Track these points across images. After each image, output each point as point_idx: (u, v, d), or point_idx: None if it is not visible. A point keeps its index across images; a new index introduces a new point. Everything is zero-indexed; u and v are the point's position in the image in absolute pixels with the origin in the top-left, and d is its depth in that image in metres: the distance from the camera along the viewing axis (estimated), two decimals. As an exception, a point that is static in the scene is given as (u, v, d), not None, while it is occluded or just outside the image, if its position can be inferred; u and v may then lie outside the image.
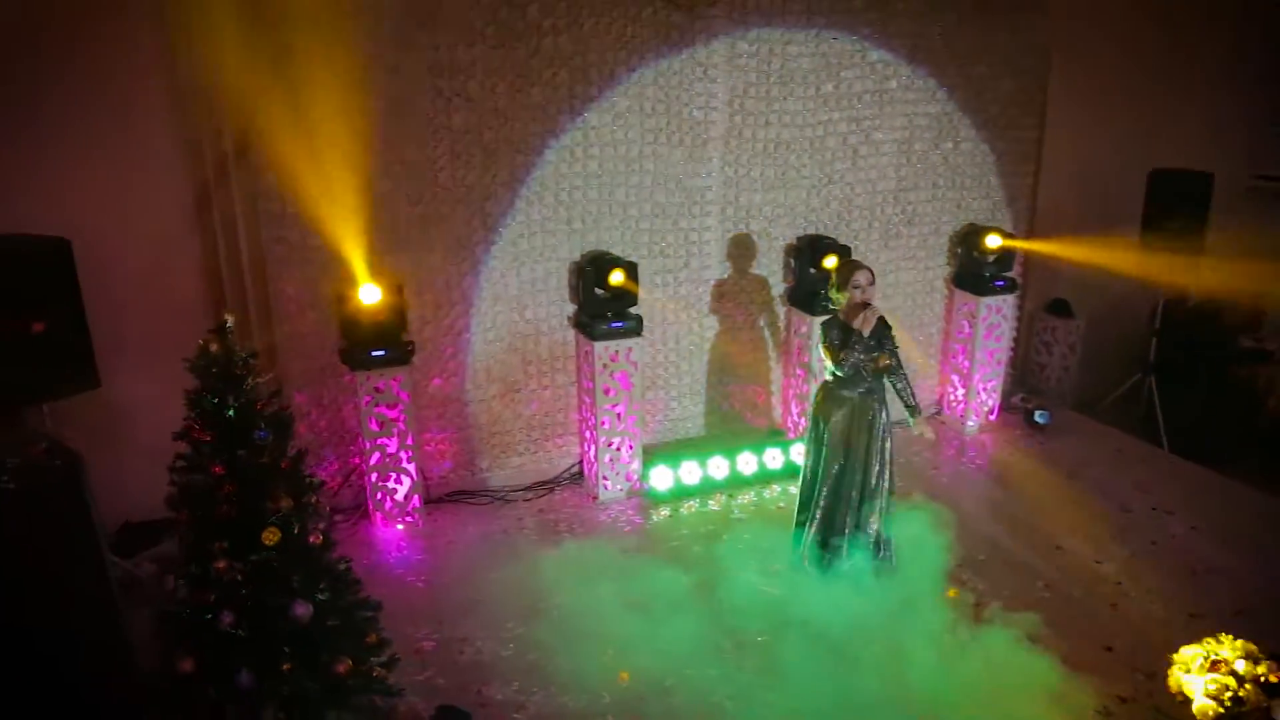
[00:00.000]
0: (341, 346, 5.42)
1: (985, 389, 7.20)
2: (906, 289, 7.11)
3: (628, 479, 6.18)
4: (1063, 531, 5.88)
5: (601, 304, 5.83)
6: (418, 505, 5.76)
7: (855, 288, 4.96)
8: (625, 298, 5.86)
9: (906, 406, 5.27)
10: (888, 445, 5.24)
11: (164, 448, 3.40)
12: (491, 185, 5.71)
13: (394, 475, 5.64)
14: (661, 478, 6.16)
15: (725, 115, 6.13)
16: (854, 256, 6.67)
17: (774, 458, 6.40)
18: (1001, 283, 6.94)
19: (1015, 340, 7.69)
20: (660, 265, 6.28)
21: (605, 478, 6.14)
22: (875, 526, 5.29)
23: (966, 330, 7.09)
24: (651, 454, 6.24)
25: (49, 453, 2.36)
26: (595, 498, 6.17)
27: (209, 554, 3.26)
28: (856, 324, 4.95)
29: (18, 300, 4.37)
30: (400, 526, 5.71)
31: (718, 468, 6.30)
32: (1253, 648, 4.00)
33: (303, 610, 3.37)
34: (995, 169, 7.08)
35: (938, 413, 7.50)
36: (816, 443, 5.24)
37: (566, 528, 5.89)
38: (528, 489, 6.25)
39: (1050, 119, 7.31)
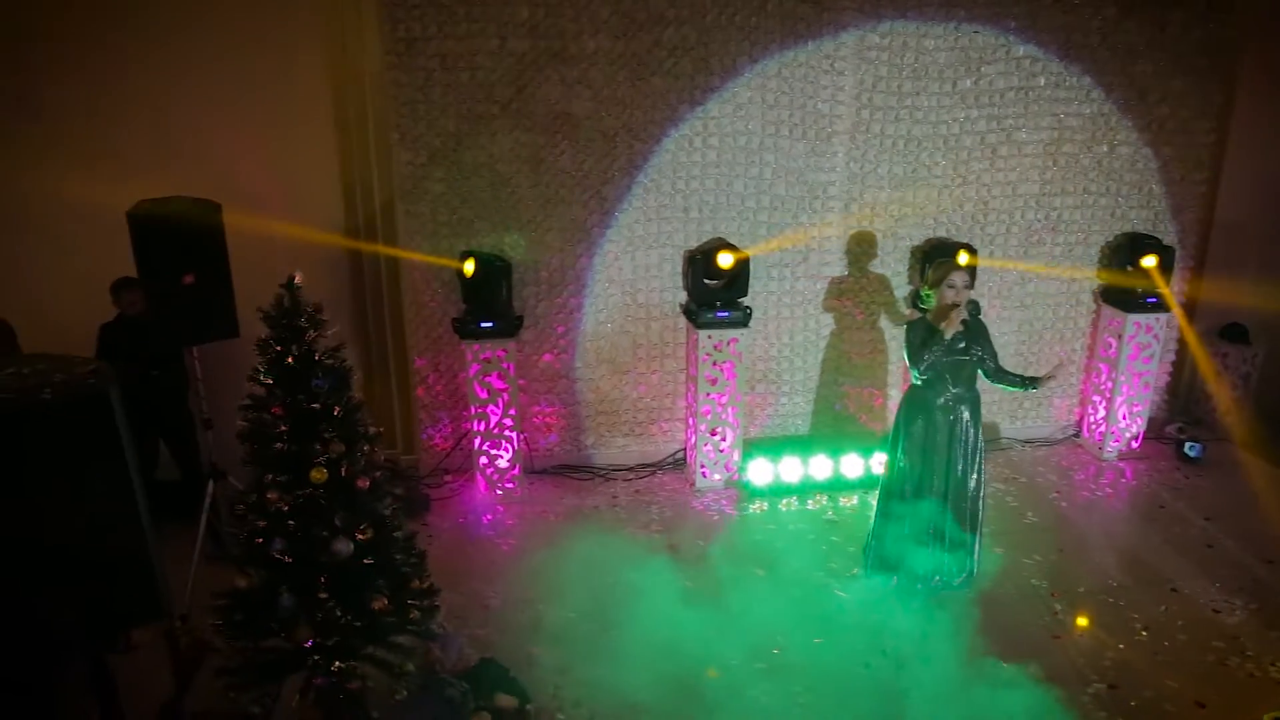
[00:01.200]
0: (455, 316, 5.64)
1: (1129, 413, 6.48)
2: (1048, 300, 6.50)
3: (727, 469, 6.06)
4: (1184, 574, 5.22)
5: (710, 293, 5.73)
6: (518, 474, 5.91)
7: (950, 287, 4.61)
8: (735, 287, 5.73)
9: (1023, 386, 4.88)
10: (976, 456, 4.86)
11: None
12: (609, 171, 5.74)
13: (498, 443, 5.81)
14: (759, 471, 5.98)
15: (852, 109, 5.84)
16: (989, 260, 6.26)
17: (881, 462, 6.06)
18: (1154, 299, 6.21)
19: (1175, 364, 6.88)
20: (777, 259, 6.08)
21: (704, 466, 6.04)
22: (956, 541, 4.92)
23: (1113, 349, 6.41)
24: (754, 447, 6.08)
25: (93, 373, 2.58)
26: (692, 485, 6.09)
27: (264, 485, 3.50)
28: (941, 325, 4.60)
29: (173, 255, 4.86)
30: (500, 492, 5.88)
31: (820, 467, 6.04)
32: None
33: (342, 546, 3.53)
34: (1159, 176, 6.33)
35: (1075, 435, 6.83)
36: (898, 449, 4.92)
37: (658, 511, 5.84)
38: (630, 469, 6.26)
39: (1236, 122, 6.47)
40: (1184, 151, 6.32)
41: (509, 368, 5.67)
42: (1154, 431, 6.80)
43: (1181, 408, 7.12)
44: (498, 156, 5.61)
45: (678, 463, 6.29)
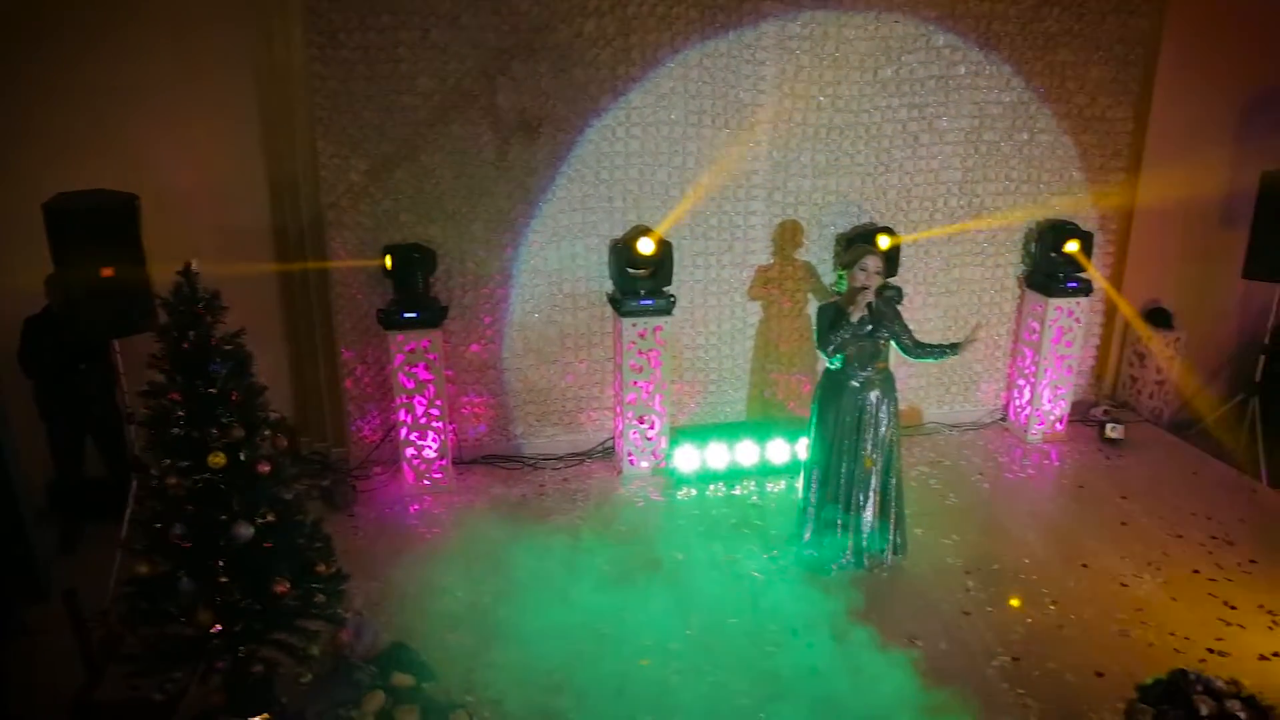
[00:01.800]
0: (380, 308, 5.72)
1: (1053, 397, 6.67)
2: (972, 285, 6.68)
3: (654, 457, 6.18)
4: (1097, 551, 5.41)
5: (634, 281, 5.85)
6: (447, 464, 5.99)
7: (861, 270, 4.75)
8: (659, 276, 5.85)
9: (945, 354, 5.02)
10: (889, 440, 5.01)
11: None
12: (533, 162, 5.84)
13: (424, 433, 5.89)
14: (686, 459, 6.11)
15: (774, 98, 5.97)
16: (913, 247, 6.43)
17: (807, 447, 6.21)
18: (1074, 284, 6.39)
19: (1099, 348, 7.08)
20: (702, 247, 6.21)
21: (631, 454, 6.16)
22: (875, 521, 5.08)
23: (1036, 333, 6.59)
24: (681, 435, 6.21)
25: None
26: (620, 473, 6.20)
27: (163, 470, 3.57)
28: (849, 309, 4.74)
29: (89, 248, 4.89)
30: (427, 482, 5.96)
31: (747, 454, 6.18)
32: (1221, 687, 3.56)
33: (242, 530, 3.60)
34: (1079, 163, 6.52)
35: (1002, 419, 7.02)
36: (813, 434, 5.06)
37: (584, 499, 5.94)
38: (559, 459, 6.37)
39: (1156, 111, 6.67)
40: (1103, 139, 6.52)
41: (434, 358, 5.75)
42: (1079, 414, 7.00)
43: (1109, 391, 7.34)
44: (421, 148, 5.69)
45: (606, 451, 6.40)
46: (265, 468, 3.71)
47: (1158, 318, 7.22)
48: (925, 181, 6.34)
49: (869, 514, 5.03)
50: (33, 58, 5.19)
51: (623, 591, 4.86)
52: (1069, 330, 6.51)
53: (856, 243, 5.50)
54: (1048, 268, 6.45)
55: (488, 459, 6.33)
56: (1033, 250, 6.58)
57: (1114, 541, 5.53)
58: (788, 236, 6.27)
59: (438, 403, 5.81)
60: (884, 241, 5.89)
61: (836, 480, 5.01)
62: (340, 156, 5.64)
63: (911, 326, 5.82)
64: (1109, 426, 6.65)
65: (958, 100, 6.19)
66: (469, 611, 4.74)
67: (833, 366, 4.92)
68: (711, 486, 6.11)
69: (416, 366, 5.75)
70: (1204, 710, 3.47)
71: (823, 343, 4.80)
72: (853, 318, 4.74)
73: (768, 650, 4.52)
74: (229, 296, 4.86)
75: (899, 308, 5.86)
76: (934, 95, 6.16)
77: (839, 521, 5.04)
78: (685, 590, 4.95)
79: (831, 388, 4.95)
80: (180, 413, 3.55)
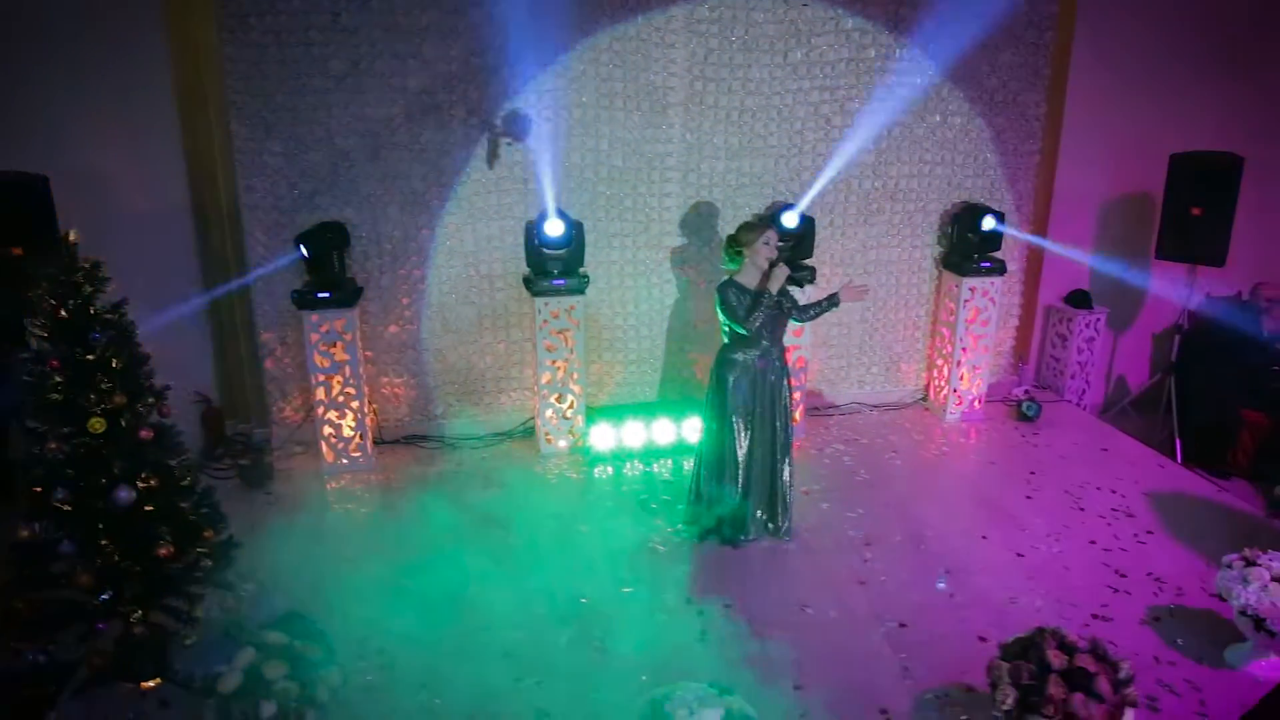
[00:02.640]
0: (295, 289, 5.87)
1: (970, 377, 6.87)
2: (890, 267, 6.88)
3: (572, 435, 6.35)
4: (998, 523, 5.61)
5: (547, 261, 6.01)
6: (365, 443, 6.15)
7: (766, 244, 4.92)
8: (572, 256, 6.02)
9: (828, 306, 5.19)
10: (784, 413, 5.18)
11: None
12: (446, 144, 6.01)
13: (342, 412, 6.04)
14: (602, 437, 6.29)
15: (685, 81, 6.15)
16: (830, 228, 6.61)
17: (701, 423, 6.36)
18: (987, 264, 6.60)
19: (1018, 329, 7.30)
20: (617, 229, 6.39)
21: (548, 433, 6.33)
22: (772, 496, 5.25)
23: (952, 313, 6.79)
24: (598, 413, 6.38)
25: None
26: (538, 451, 6.37)
27: (43, 436, 3.73)
28: (768, 284, 4.90)
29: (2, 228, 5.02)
30: (345, 461, 6.12)
31: (664, 432, 6.35)
32: (1072, 640, 3.74)
33: (123, 494, 3.77)
34: (993, 146, 6.73)
35: (923, 399, 7.23)
36: (712, 410, 5.23)
37: (500, 477, 6.10)
38: (480, 439, 6.54)
39: (1072, 94, 6.88)
40: (1016, 122, 6.72)
41: (350, 338, 5.90)
42: (1000, 395, 7.21)
43: (1030, 372, 7.54)
44: (335, 131, 5.85)
45: (527, 431, 6.57)
46: (148, 434, 3.88)
47: (1079, 299, 7.43)
48: (838, 162, 6.52)
49: (762, 491, 5.20)
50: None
51: (524, 564, 5.03)
52: (984, 310, 6.71)
53: (751, 222, 5.64)
54: (962, 249, 6.65)
55: (409, 439, 6.49)
56: (949, 232, 6.78)
57: (1017, 514, 5.72)
58: (703, 218, 6.45)
59: (354, 382, 5.97)
60: (792, 219, 6.06)
61: (732, 457, 5.17)
62: (255, 139, 5.80)
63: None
64: (1024, 405, 6.86)
65: (869, 83, 6.39)
66: (371, 583, 4.88)
67: (729, 340, 5.09)
68: (628, 465, 6.29)
69: (333, 347, 5.91)
70: (1055, 663, 3.66)
71: (744, 319, 4.91)
72: (773, 289, 4.88)
73: (658, 619, 4.70)
74: (149, 279, 5.12)
75: (811, 287, 6.12)
76: (845, 78, 6.35)
77: (734, 497, 5.20)
78: (587, 561, 5.12)
79: (731, 364, 5.11)
80: (59, 379, 3.70)
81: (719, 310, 5.03)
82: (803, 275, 6.15)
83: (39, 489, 3.72)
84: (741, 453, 5.16)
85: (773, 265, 4.92)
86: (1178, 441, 6.78)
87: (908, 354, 7.11)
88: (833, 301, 5.16)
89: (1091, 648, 3.76)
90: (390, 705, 4.05)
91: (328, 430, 6.06)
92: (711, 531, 5.30)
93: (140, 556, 3.83)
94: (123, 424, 3.79)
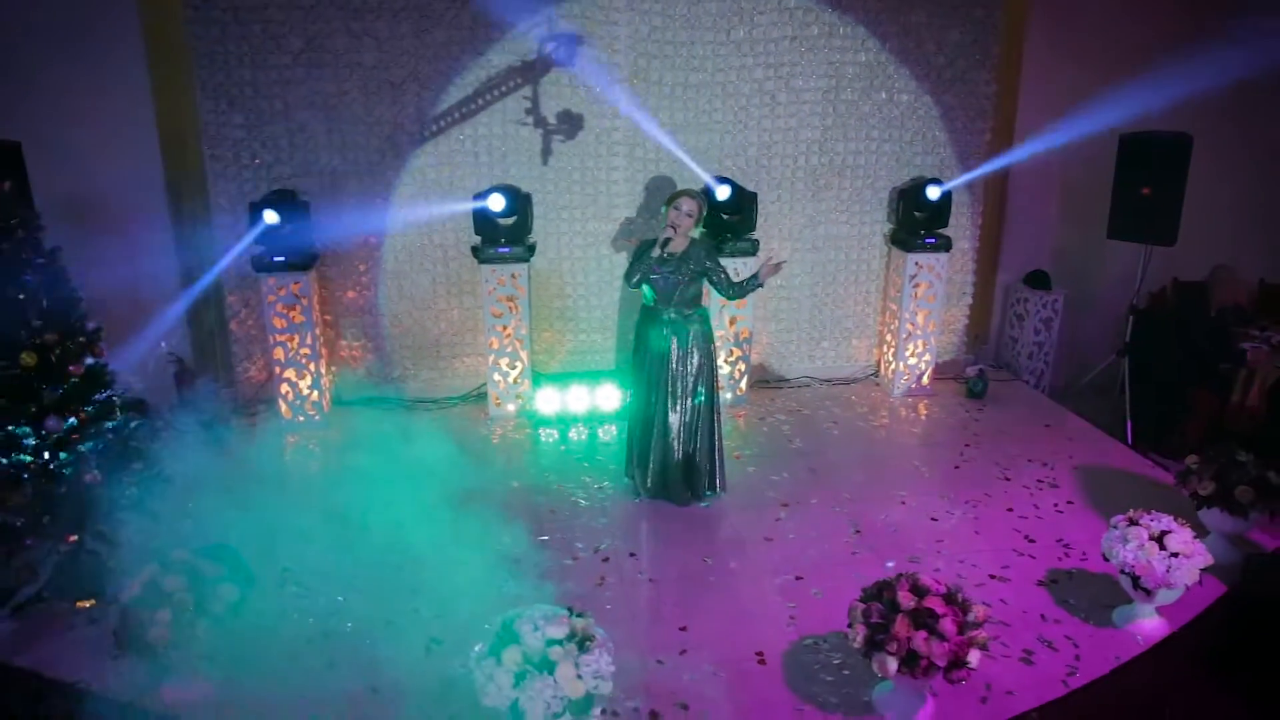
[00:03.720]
0: (254, 253, 6.28)
1: (917, 352, 7.06)
2: (839, 243, 7.09)
3: (519, 399, 6.69)
4: (921, 490, 5.81)
5: (494, 230, 6.35)
6: (322, 402, 6.55)
7: (674, 209, 5.20)
8: (518, 226, 6.35)
9: (753, 285, 5.44)
10: (700, 376, 5.42)
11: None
12: (399, 118, 6.38)
13: (300, 372, 6.46)
14: (547, 401, 6.62)
15: (629, 58, 6.44)
16: (777, 203, 6.85)
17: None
18: (932, 239, 6.78)
19: (972, 308, 7.45)
20: (567, 201, 6.70)
21: (496, 396, 6.68)
22: (692, 456, 5.51)
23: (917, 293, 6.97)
24: (543, 379, 6.71)
25: None
26: (486, 415, 6.73)
27: (-25, 370, 4.17)
28: (658, 246, 5.19)
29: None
30: (301, 419, 6.53)
31: (608, 398, 6.66)
32: (930, 587, 3.95)
33: (52, 423, 4.20)
34: (942, 124, 6.90)
35: (874, 375, 7.43)
36: (631, 370, 5.52)
37: (447, 437, 6.39)
38: (434, 401, 6.91)
39: (1026, 73, 7.04)
40: (965, 100, 6.89)
41: (306, 300, 6.31)
42: (953, 372, 7.38)
43: (986, 351, 7.69)
44: (293, 104, 6.25)
45: (480, 395, 6.92)
46: (78, 370, 4.30)
47: (1037, 279, 7.56)
48: (784, 139, 6.77)
49: (686, 450, 5.47)
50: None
51: (446, 513, 5.34)
52: (930, 286, 6.89)
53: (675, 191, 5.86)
54: (909, 225, 6.84)
55: (366, 400, 6.87)
56: (896, 208, 6.96)
57: (941, 482, 5.93)
58: (650, 191, 6.73)
59: (309, 342, 6.37)
60: (725, 191, 6.32)
61: (649, 416, 5.45)
62: (219, 111, 6.22)
63: (778, 281, 6.35)
64: (970, 382, 7.03)
65: (812, 60, 6.61)
66: (303, 527, 5.22)
67: (646, 302, 5.39)
68: (573, 429, 6.60)
69: (290, 309, 6.32)
70: (904, 603, 3.88)
71: (627, 275, 5.26)
72: (655, 252, 5.18)
73: (564, 564, 5.01)
74: (129, 241, 5.58)
75: (751, 259, 6.35)
76: (789, 55, 6.58)
77: (650, 455, 5.48)
78: (509, 513, 5.43)
79: (644, 324, 5.40)
80: (-11, 315, 4.14)
81: None
82: (744, 247, 6.41)
83: (-27, 418, 4.16)
84: (661, 413, 5.44)
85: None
86: (1129, 422, 6.89)
87: (859, 330, 7.32)
88: (755, 280, 5.41)
89: (945, 594, 3.97)
90: (289, 624, 4.42)
91: (285, 389, 6.47)
92: (643, 490, 5.58)
93: (69, 482, 4.25)
94: (53, 359, 4.22)
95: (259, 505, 5.41)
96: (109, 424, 4.39)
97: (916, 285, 6.89)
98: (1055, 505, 5.70)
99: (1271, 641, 4.38)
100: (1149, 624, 4.56)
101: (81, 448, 4.29)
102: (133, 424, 4.55)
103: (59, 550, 4.36)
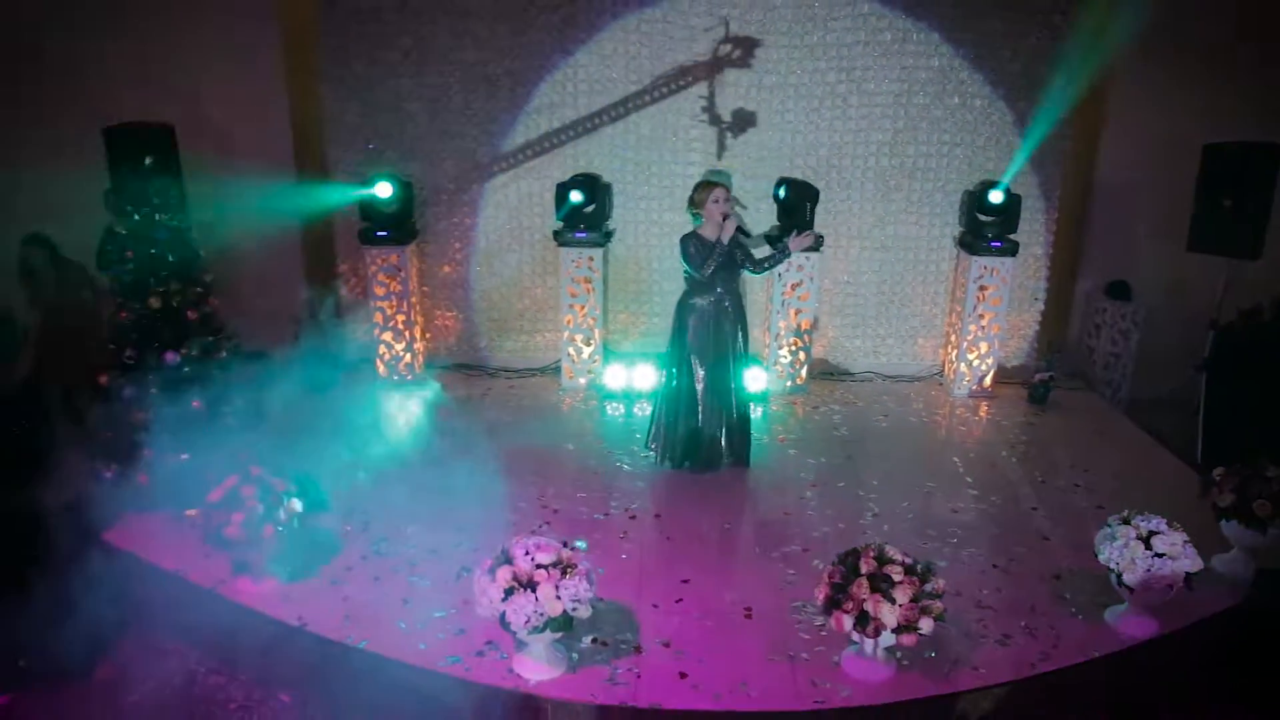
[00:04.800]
0: (360, 226, 7.24)
1: (980, 355, 7.28)
2: (908, 243, 7.40)
3: (590, 374, 7.39)
4: (950, 484, 6.09)
5: (576, 216, 7.07)
6: (414, 365, 7.46)
7: (715, 202, 5.74)
8: (597, 214, 7.05)
9: (779, 259, 5.92)
10: (738, 354, 5.95)
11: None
12: (494, 110, 7.19)
13: (396, 335, 7.39)
14: (614, 377, 7.28)
15: (706, 61, 7.00)
16: (846, 202, 7.27)
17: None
18: (998, 243, 6.99)
19: (1043, 314, 7.58)
20: (644, 192, 7.34)
21: (569, 368, 7.40)
22: (726, 428, 6.04)
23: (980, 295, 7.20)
24: (613, 356, 7.38)
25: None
26: (560, 386, 7.47)
27: (118, 308, 5.22)
28: (719, 235, 5.73)
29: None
30: (395, 377, 7.46)
31: (671, 377, 7.24)
32: (893, 556, 4.34)
33: (170, 356, 5.20)
34: (1016, 129, 7.10)
35: (939, 375, 7.68)
36: (670, 347, 6.09)
37: (520, 403, 7.24)
38: (515, 371, 7.71)
39: (1119, 83, 7.12)
40: (1038, 107, 7.04)
41: (404, 270, 7.22)
42: (1022, 377, 7.54)
43: (1067, 360, 7.77)
44: (402, 96, 7.17)
45: (556, 368, 7.65)
46: (193, 315, 5.30)
47: (1117, 290, 7.60)
48: (855, 140, 7.15)
49: (718, 424, 6.00)
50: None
51: (504, 467, 6.08)
52: (995, 289, 7.11)
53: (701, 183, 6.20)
54: (975, 228, 7.08)
55: (456, 366, 7.76)
56: (963, 210, 7.21)
57: (974, 478, 6.18)
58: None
59: (405, 309, 7.29)
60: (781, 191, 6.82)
61: (690, 393, 6.01)
62: (340, 100, 7.21)
63: (844, 278, 6.85)
64: (1033, 388, 7.19)
65: (885, 65, 6.96)
66: (377, 468, 6.11)
67: (689, 287, 5.94)
68: (636, 404, 7.23)
69: (390, 279, 7.26)
70: (864, 568, 4.32)
71: (700, 265, 5.74)
72: (724, 241, 5.69)
73: (594, 519, 5.64)
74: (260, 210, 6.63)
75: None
76: (861, 59, 6.96)
77: (686, 427, 6.04)
78: (561, 471, 6.14)
79: (689, 308, 5.95)
80: (130, 267, 5.18)
81: (681, 259, 5.88)
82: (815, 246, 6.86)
83: (113, 346, 5.21)
84: (699, 389, 5.99)
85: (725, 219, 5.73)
86: (1200, 439, 6.88)
87: (925, 329, 7.60)
88: (784, 253, 5.87)
89: (906, 564, 4.36)
90: (350, 543, 5.27)
91: (383, 350, 7.42)
92: (674, 460, 6.16)
93: (181, 406, 5.25)
94: (174, 305, 5.22)
95: (344, 445, 6.37)
96: (216, 361, 5.36)
97: (982, 288, 7.12)
98: (1083, 509, 5.86)
99: (1272, 654, 4.52)
100: (1136, 623, 4.75)
101: (190, 379, 5.28)
102: (238, 362, 5.51)
103: (172, 463, 5.37)
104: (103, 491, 5.34)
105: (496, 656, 4.38)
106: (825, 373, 7.64)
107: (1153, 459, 6.52)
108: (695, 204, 5.81)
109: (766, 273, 6.02)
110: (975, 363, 7.29)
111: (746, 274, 5.98)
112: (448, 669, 4.32)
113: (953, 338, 7.47)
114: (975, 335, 7.22)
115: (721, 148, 7.16)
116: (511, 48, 7.03)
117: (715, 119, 7.13)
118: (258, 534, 4.68)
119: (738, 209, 6.97)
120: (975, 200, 7.01)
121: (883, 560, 4.34)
